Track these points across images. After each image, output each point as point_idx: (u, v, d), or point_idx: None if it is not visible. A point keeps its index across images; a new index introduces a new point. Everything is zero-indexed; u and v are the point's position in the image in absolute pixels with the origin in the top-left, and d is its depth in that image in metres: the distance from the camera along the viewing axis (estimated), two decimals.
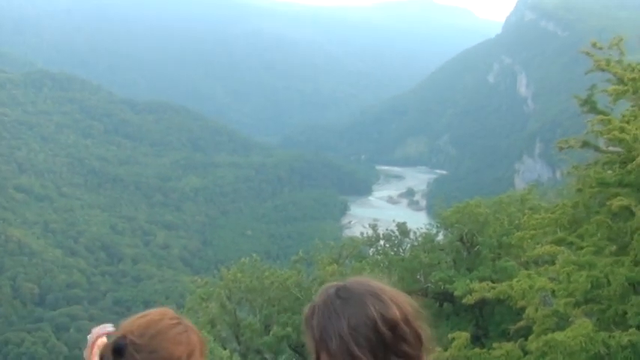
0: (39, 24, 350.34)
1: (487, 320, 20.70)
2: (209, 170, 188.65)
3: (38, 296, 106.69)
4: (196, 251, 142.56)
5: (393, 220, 27.76)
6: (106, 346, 2.23)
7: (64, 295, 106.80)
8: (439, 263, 21.62)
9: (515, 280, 13.90)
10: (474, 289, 14.95)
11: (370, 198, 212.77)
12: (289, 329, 21.09)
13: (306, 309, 2.23)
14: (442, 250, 22.56)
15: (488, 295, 14.26)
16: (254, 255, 25.05)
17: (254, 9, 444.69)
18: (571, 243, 14.37)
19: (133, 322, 2.22)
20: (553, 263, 14.24)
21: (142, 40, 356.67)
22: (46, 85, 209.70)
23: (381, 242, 26.70)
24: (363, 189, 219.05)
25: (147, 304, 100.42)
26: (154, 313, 2.27)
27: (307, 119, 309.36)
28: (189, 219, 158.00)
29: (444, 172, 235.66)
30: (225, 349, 18.42)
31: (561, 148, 16.35)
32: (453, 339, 14.16)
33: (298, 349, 22.96)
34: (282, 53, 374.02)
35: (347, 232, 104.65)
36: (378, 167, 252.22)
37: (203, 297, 23.47)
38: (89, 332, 2.46)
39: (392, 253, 25.11)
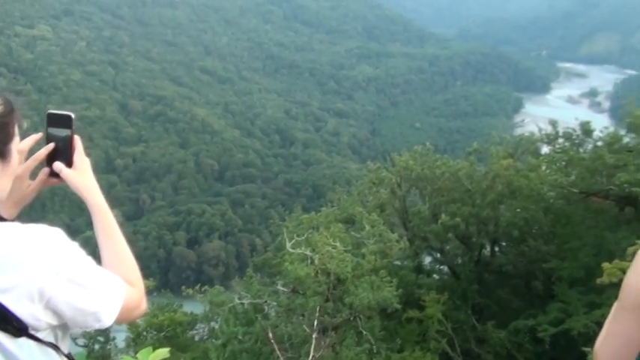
0: None
1: None
2: (382, 60, 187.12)
3: (218, 172, 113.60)
4: (365, 140, 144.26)
5: (576, 118, 26.04)
6: None
7: (240, 173, 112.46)
8: (625, 165, 20.14)
9: None
10: None
11: (547, 96, 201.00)
12: (458, 219, 20.90)
13: None
14: (631, 151, 20.90)
15: None
16: (427, 144, 24.86)
17: None
18: None
19: None
20: None
21: None
22: None
23: (560, 140, 25.30)
24: (540, 86, 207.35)
25: (315, 188, 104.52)
26: None
27: (487, 11, 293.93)
28: (359, 108, 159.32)
29: (635, 72, 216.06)
30: (393, 233, 18.78)
31: None
32: (634, 244, 13.38)
33: (465, 240, 22.89)
34: None
35: (519, 131, 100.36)
36: (560, 64, 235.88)
37: (374, 182, 23.83)
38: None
39: (571, 152, 23.77)
